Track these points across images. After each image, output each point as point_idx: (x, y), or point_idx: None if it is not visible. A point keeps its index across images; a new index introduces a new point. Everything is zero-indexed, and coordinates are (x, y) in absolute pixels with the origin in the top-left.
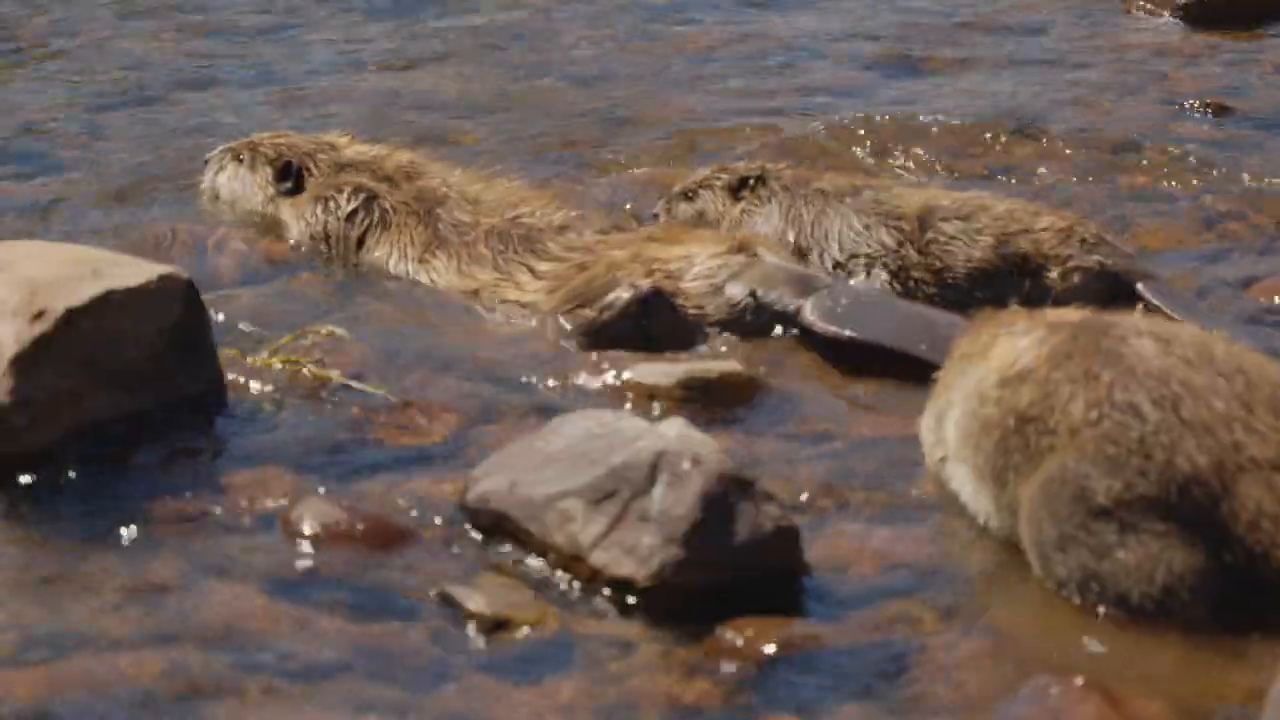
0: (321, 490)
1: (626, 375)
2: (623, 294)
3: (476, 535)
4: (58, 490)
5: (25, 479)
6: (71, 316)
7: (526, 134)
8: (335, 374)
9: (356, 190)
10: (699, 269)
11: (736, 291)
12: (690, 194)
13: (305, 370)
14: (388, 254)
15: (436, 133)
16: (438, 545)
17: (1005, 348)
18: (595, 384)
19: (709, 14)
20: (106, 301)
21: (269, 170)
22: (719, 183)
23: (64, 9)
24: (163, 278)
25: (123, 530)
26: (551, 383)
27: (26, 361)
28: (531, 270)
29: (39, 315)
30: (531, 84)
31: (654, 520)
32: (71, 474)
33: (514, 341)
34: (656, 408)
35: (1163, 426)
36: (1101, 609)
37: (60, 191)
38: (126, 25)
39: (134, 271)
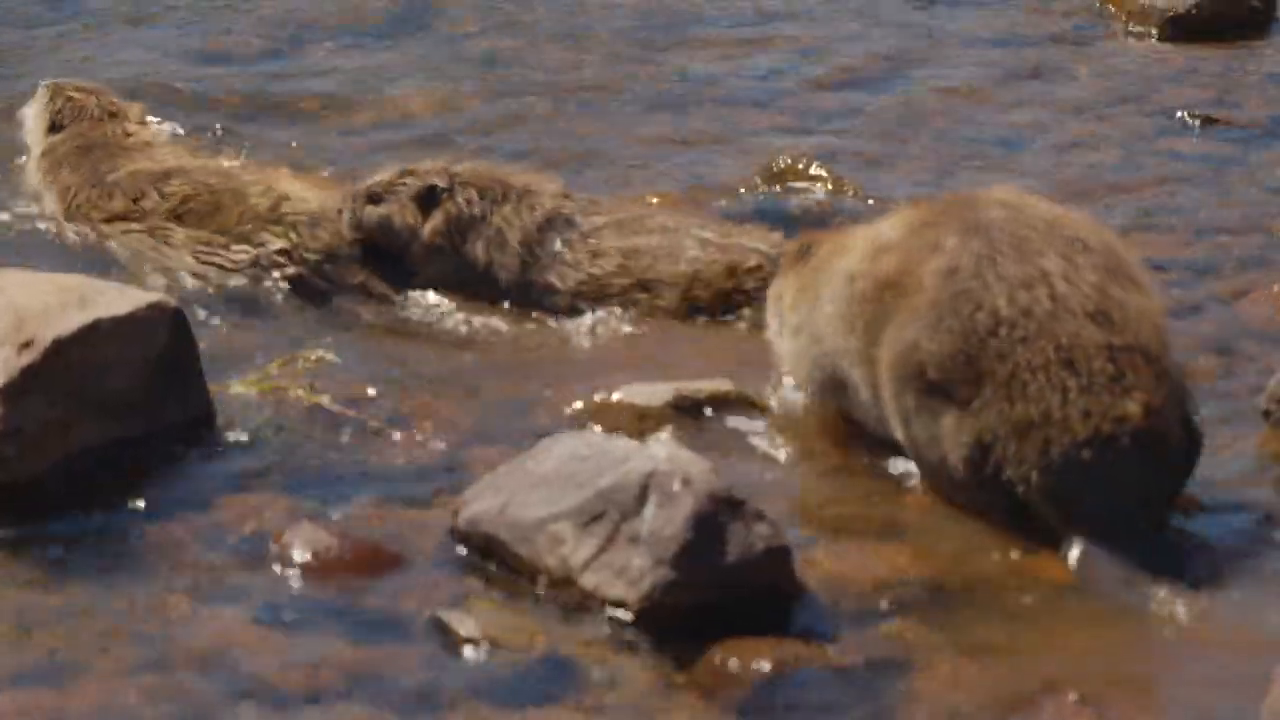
0: (312, 516)
1: (616, 396)
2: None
3: (468, 558)
4: (47, 520)
5: (15, 509)
6: (59, 346)
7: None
8: (325, 399)
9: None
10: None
11: None
12: (376, 197)
13: (295, 395)
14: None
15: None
16: (429, 569)
17: (869, 230)
18: (585, 405)
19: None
20: (94, 330)
21: (47, 118)
22: (405, 190)
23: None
24: (150, 305)
25: (113, 559)
26: (541, 404)
27: (15, 391)
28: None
29: (27, 345)
30: (514, 103)
31: (644, 541)
32: (61, 503)
33: (503, 363)
34: (646, 428)
35: (974, 284)
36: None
37: None
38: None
39: (121, 299)
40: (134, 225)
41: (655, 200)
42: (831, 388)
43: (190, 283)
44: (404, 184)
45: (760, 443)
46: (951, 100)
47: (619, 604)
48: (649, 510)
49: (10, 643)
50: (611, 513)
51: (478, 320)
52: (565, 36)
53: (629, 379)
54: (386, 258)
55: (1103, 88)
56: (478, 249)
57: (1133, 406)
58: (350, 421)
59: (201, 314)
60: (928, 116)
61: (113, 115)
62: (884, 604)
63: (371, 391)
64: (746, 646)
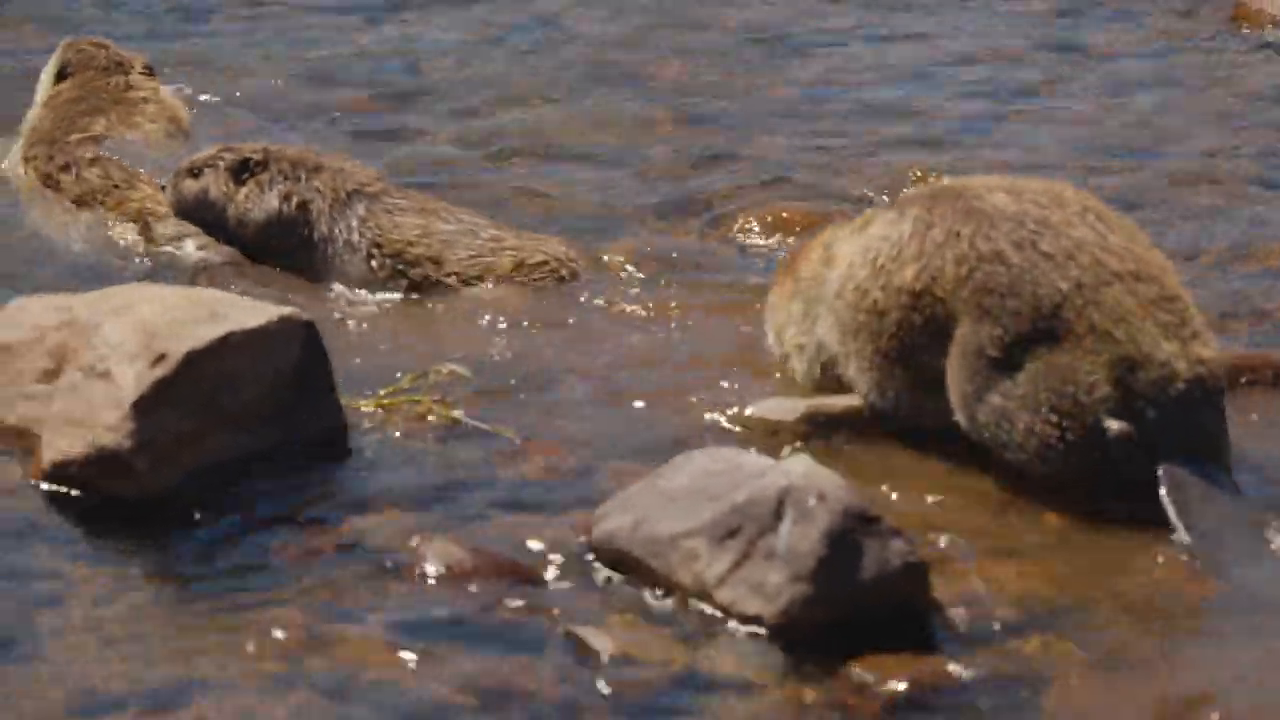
0: (445, 531)
1: (749, 411)
2: None
3: (601, 574)
4: (179, 533)
5: (147, 522)
6: (191, 359)
7: (626, 171)
8: (458, 413)
9: None
10: None
11: None
12: (196, 171)
13: (427, 409)
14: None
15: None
16: (563, 585)
17: (860, 243)
18: (718, 419)
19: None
20: (226, 343)
21: (56, 67)
22: (223, 163)
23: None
24: (282, 319)
25: (245, 573)
26: (674, 419)
27: (147, 404)
28: None
29: (159, 359)
30: (631, 116)
31: (780, 557)
32: (193, 516)
33: (636, 378)
34: (779, 443)
35: (1025, 264)
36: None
37: None
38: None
39: (253, 312)
40: (51, 194)
41: (784, 215)
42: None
43: (321, 293)
44: (221, 158)
45: (893, 457)
46: (1084, 112)
47: (755, 620)
48: (785, 526)
49: (141, 660)
50: (747, 528)
51: (606, 333)
52: (685, 46)
53: (755, 391)
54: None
55: (1235, 100)
56: (286, 210)
57: (1206, 350)
58: (482, 435)
59: (334, 326)
60: (1062, 127)
61: (118, 65)
62: (1020, 620)
63: (503, 405)
64: (882, 663)
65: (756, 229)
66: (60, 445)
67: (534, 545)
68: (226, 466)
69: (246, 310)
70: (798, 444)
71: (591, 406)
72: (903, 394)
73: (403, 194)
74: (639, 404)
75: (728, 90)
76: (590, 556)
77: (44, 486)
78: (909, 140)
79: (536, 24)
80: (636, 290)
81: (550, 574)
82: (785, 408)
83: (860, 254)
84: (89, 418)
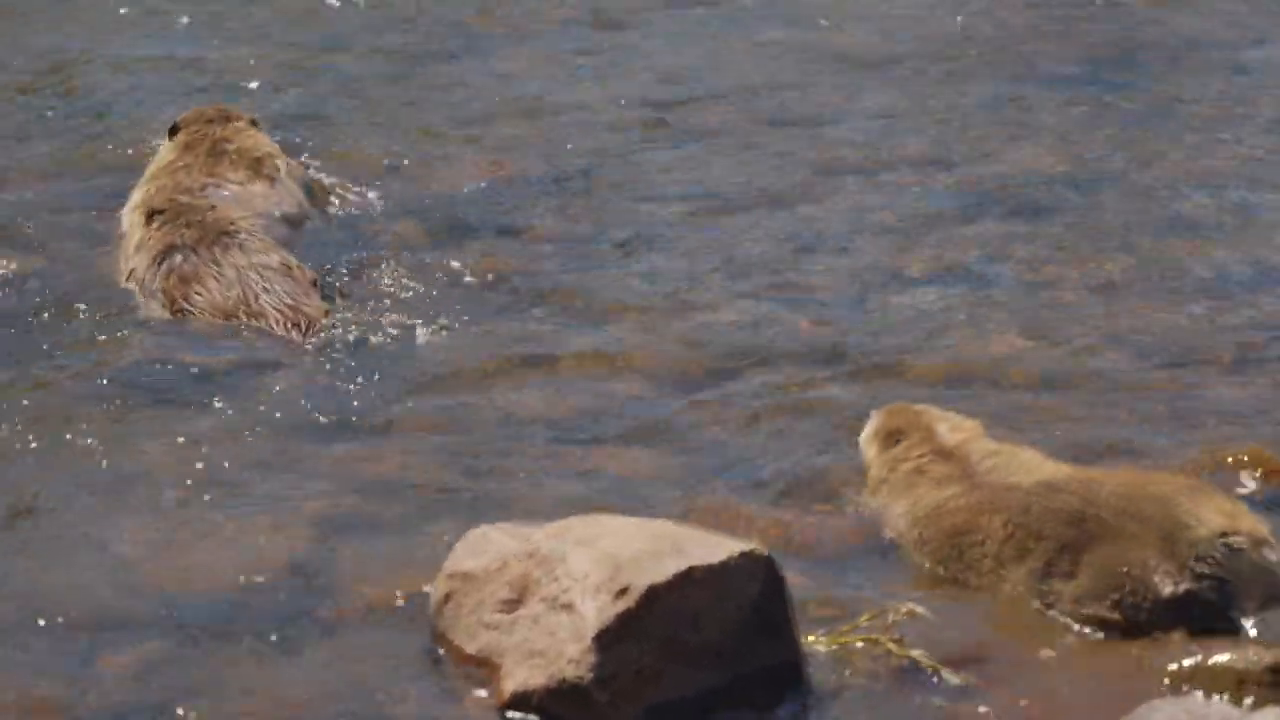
0: None
1: (1214, 660)
2: None
3: None
4: None
5: None
6: (654, 593)
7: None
8: (917, 654)
9: None
10: None
11: None
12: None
13: (886, 649)
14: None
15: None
16: None
17: (932, 492)
18: (1182, 668)
19: None
20: (688, 578)
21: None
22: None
23: None
24: (743, 554)
25: None
26: (1134, 668)
27: (609, 638)
28: None
29: (622, 592)
30: None
31: None
32: None
33: (1088, 629)
34: (1245, 693)
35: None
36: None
37: None
38: None
39: (715, 548)
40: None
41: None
42: None
43: (771, 536)
44: (154, 200)
45: None
46: None
47: None
48: None
49: None
50: None
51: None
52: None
53: (1215, 641)
54: None
55: None
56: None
57: None
58: (943, 680)
59: (789, 561)
60: None
61: (225, 118)
62: None
63: (964, 647)
64: None
65: None
66: (521, 675)
67: None
68: (684, 703)
69: (708, 545)
70: (1265, 695)
71: (1049, 656)
72: None
73: (224, 248)
74: (1093, 653)
75: None
76: None
77: (505, 716)
78: None
79: None
80: None
81: None
82: (1251, 656)
83: (931, 494)
84: (551, 649)
